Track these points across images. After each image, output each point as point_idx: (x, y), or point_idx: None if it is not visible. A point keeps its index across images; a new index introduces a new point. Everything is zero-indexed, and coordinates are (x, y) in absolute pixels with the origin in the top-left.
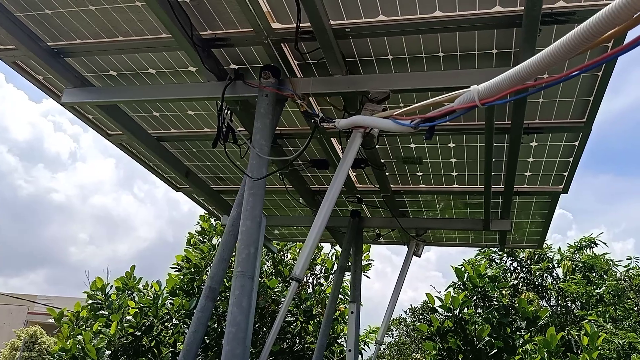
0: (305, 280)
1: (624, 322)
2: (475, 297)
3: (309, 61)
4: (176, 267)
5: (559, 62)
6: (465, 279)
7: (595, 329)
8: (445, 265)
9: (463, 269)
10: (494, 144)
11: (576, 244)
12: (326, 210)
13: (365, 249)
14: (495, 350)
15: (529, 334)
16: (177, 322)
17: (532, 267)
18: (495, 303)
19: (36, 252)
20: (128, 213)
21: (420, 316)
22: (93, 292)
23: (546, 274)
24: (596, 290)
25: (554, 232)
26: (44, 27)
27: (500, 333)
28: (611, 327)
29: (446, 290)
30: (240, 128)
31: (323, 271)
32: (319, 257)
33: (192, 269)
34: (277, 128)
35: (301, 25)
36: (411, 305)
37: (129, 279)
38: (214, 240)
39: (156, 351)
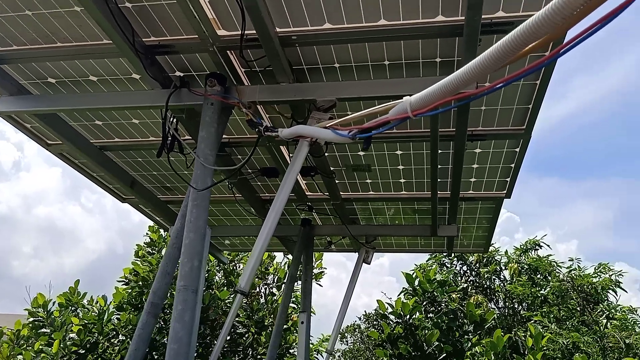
0: (257, 290)
1: (567, 322)
2: (425, 302)
3: (256, 69)
4: (124, 281)
5: (486, 73)
6: (415, 285)
7: (540, 330)
8: (398, 271)
9: (414, 274)
10: (440, 151)
11: (522, 246)
12: (272, 220)
13: (318, 257)
14: (444, 354)
15: (476, 336)
16: (124, 338)
17: (481, 270)
18: (445, 308)
19: None
20: (75, 224)
21: (374, 322)
22: (34, 309)
23: (494, 277)
24: (541, 292)
25: (502, 235)
26: None
27: (449, 337)
28: (555, 328)
29: (398, 296)
30: (187, 137)
31: (275, 280)
32: (271, 267)
33: (140, 282)
34: (226, 136)
35: (247, 32)
36: (365, 311)
37: (72, 294)
38: (164, 252)
39: None
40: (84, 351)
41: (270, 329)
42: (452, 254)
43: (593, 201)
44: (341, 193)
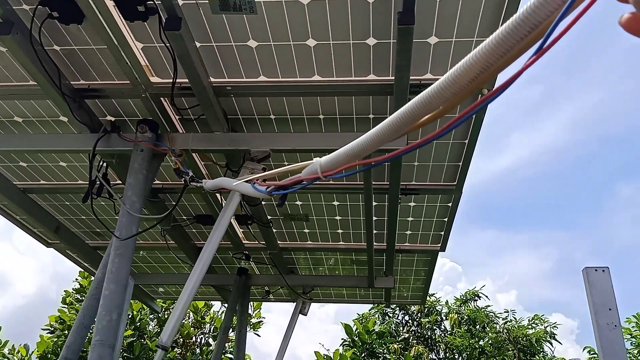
0: (192, 339)
1: None
2: (363, 354)
3: (190, 117)
4: (49, 329)
5: (386, 142)
6: (354, 336)
7: None
8: (343, 319)
9: (353, 325)
10: (375, 203)
11: (462, 297)
12: (200, 270)
13: (257, 306)
14: None
15: None
16: None
17: (422, 320)
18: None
19: None
20: (5, 267)
21: None
22: None
23: (435, 327)
24: (479, 343)
25: (445, 284)
26: None
27: None
28: None
29: (337, 348)
30: (118, 181)
31: (212, 330)
32: (207, 315)
33: (66, 331)
34: (160, 182)
35: (181, 81)
36: None
37: None
38: None
39: None
40: None
41: None
42: (389, 306)
43: (532, 252)
44: (279, 242)
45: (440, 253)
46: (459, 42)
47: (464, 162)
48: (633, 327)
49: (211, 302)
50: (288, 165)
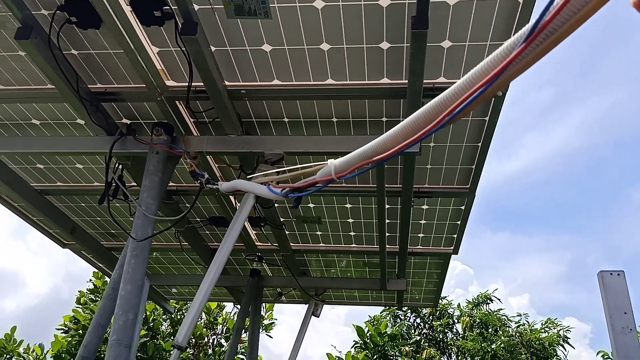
0: (205, 340)
1: None
2: (375, 356)
3: (205, 120)
4: (63, 329)
5: (403, 141)
6: (366, 338)
7: None
8: (354, 321)
9: (365, 327)
10: (388, 206)
11: (474, 300)
12: (215, 272)
13: (269, 308)
14: None
15: None
16: None
17: (434, 323)
18: None
19: None
20: (18, 266)
21: None
22: None
23: (447, 330)
24: (491, 347)
25: (456, 287)
26: None
27: None
28: None
29: (349, 350)
30: (133, 183)
31: (224, 331)
32: (220, 317)
33: (81, 331)
34: (174, 184)
35: (196, 84)
36: None
37: (8, 341)
38: None
39: None
40: None
41: None
42: (401, 308)
43: (545, 255)
44: (292, 244)
45: (452, 256)
46: (472, 46)
47: (477, 165)
48: None
49: (223, 303)
50: (302, 167)
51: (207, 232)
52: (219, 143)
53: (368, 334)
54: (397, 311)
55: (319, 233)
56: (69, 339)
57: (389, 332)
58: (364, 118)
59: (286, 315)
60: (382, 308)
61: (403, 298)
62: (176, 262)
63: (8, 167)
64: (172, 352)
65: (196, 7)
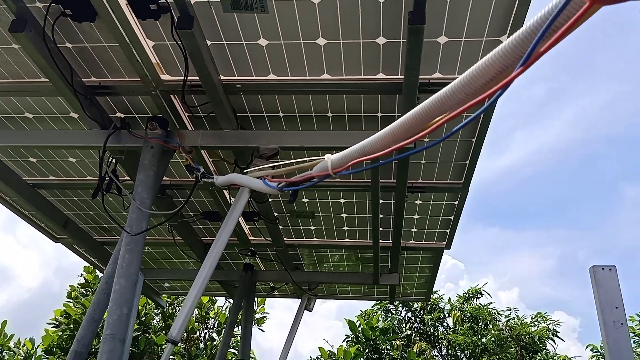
0: (196, 334)
1: None
2: (367, 350)
3: (200, 114)
4: (54, 323)
5: (398, 142)
6: (358, 332)
7: None
8: (345, 315)
9: (357, 321)
10: (382, 201)
11: (464, 294)
12: (209, 266)
13: (260, 302)
14: None
15: None
16: None
17: (425, 317)
18: (387, 356)
19: None
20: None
21: None
22: None
23: (438, 324)
24: (481, 340)
25: (447, 282)
26: None
27: None
28: None
29: (341, 344)
30: (126, 178)
31: (216, 325)
32: (211, 311)
33: (72, 325)
34: (168, 179)
35: (191, 78)
36: (310, 356)
37: None
38: None
39: None
40: None
41: None
42: (393, 303)
43: (534, 250)
44: (285, 239)
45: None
46: (468, 42)
47: (471, 161)
48: (636, 325)
49: (215, 297)
50: (297, 162)
51: (201, 226)
52: (214, 137)
53: (360, 328)
54: (388, 305)
55: (312, 228)
56: (60, 333)
57: (380, 327)
58: (360, 113)
59: (276, 310)
60: (374, 302)
61: (395, 292)
62: (169, 257)
63: (0, 161)
64: (165, 346)
65: (192, 0)
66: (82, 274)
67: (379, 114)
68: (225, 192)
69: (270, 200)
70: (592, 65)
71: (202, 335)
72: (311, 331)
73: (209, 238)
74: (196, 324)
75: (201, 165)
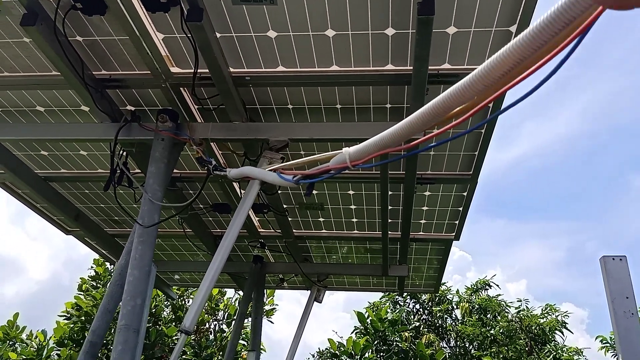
0: (206, 326)
1: None
2: (376, 342)
3: (209, 106)
4: (65, 315)
5: (418, 132)
6: (367, 324)
7: None
8: (352, 307)
9: (366, 313)
10: (391, 193)
11: (472, 286)
12: (221, 258)
13: (270, 294)
14: None
15: None
16: None
17: (434, 308)
18: (395, 347)
19: None
20: (18, 252)
21: None
22: None
23: (446, 316)
24: (490, 332)
25: (454, 273)
26: None
27: None
28: None
29: (350, 335)
30: (137, 170)
31: (225, 317)
32: (221, 302)
33: (83, 317)
34: (177, 171)
35: (201, 71)
36: (319, 348)
37: (11, 327)
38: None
39: None
40: None
41: None
42: (402, 294)
43: (542, 242)
44: (294, 231)
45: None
46: (477, 33)
47: (480, 152)
48: None
49: (224, 289)
50: (310, 154)
51: (210, 219)
52: (223, 130)
53: (368, 320)
54: (396, 297)
55: (321, 219)
56: (71, 325)
57: (389, 318)
58: (368, 105)
59: (284, 302)
60: (382, 294)
61: (404, 284)
62: (179, 249)
63: (12, 154)
64: (179, 337)
65: None
66: (92, 267)
67: (388, 106)
68: (235, 185)
69: (279, 192)
70: (599, 54)
71: (212, 326)
72: (319, 323)
73: (218, 230)
74: (206, 315)
75: (211, 157)
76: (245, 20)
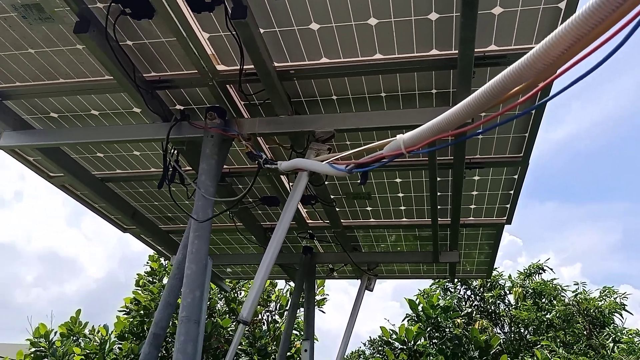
0: (259, 317)
1: (574, 347)
2: (429, 328)
3: (255, 102)
4: (125, 310)
5: (474, 115)
6: (419, 311)
7: (547, 355)
8: (401, 296)
9: (417, 300)
10: (439, 179)
11: (525, 270)
12: (274, 249)
13: (320, 284)
14: None
15: None
16: None
17: (485, 294)
18: (449, 333)
19: None
20: (76, 252)
21: (379, 348)
22: (36, 339)
23: (499, 301)
24: (546, 316)
25: (505, 259)
26: None
27: None
28: (564, 352)
29: (402, 322)
30: (188, 167)
31: (277, 308)
32: (273, 294)
33: (142, 311)
34: (226, 166)
35: (246, 67)
36: (370, 337)
37: (74, 324)
38: (165, 281)
39: None
40: None
41: (273, 356)
42: (454, 280)
43: (596, 224)
44: (342, 221)
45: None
46: (524, 11)
47: (531, 133)
48: None
49: (275, 280)
50: (356, 144)
51: (260, 211)
52: (270, 124)
53: (420, 307)
54: (446, 284)
55: (369, 209)
56: (131, 319)
57: (441, 305)
58: (413, 91)
59: (332, 292)
60: (432, 281)
61: (455, 270)
62: (230, 242)
63: (71, 157)
64: (234, 328)
65: None
66: (147, 263)
67: (434, 91)
68: (283, 177)
69: (326, 183)
70: None
71: (265, 317)
72: (368, 312)
73: (267, 223)
74: (259, 307)
75: (261, 152)
76: (287, 15)
